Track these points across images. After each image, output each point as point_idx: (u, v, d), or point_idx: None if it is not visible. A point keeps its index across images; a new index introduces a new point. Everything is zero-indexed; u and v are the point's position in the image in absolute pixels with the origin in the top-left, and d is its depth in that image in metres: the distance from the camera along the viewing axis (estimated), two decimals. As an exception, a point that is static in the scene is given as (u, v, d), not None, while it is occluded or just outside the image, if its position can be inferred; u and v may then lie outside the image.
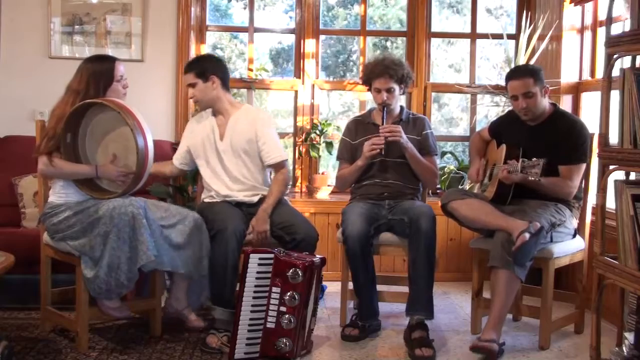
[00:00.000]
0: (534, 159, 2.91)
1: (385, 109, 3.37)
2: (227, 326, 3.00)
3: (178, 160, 3.48)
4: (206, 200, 3.37)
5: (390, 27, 5.05)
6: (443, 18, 4.93)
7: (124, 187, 2.96)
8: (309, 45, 4.62)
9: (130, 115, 2.90)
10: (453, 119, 5.19)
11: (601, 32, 4.10)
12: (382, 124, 3.34)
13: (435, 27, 4.73)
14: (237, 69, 4.89)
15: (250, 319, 2.82)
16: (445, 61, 5.03)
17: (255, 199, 3.33)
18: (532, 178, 2.89)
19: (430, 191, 4.18)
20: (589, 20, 4.18)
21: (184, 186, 4.19)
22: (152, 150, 2.99)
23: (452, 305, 3.87)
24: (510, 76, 3.22)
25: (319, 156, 4.55)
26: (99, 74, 2.99)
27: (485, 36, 4.67)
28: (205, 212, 3.23)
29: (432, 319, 3.12)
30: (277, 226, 3.21)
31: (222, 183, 3.34)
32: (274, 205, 3.24)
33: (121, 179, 2.98)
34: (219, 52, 4.93)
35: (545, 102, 3.22)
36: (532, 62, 4.22)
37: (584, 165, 3.18)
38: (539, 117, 3.23)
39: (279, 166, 3.34)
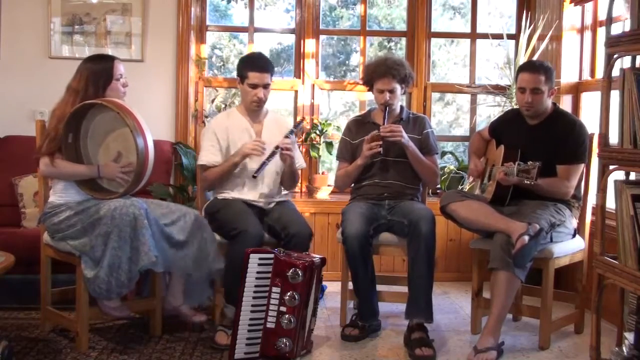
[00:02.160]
0: (530, 162, 2.91)
1: (387, 109, 3.37)
2: None
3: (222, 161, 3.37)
4: (220, 197, 3.37)
5: (394, 27, 5.06)
6: (446, 19, 4.93)
7: (125, 186, 2.97)
8: (309, 45, 4.62)
9: (129, 115, 2.90)
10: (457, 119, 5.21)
11: (601, 32, 4.10)
12: (383, 124, 3.34)
13: (436, 27, 4.74)
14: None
15: (250, 319, 2.82)
16: (447, 61, 5.03)
17: (272, 205, 3.37)
18: (528, 182, 2.89)
19: (430, 191, 4.18)
20: (589, 20, 4.18)
21: (184, 186, 4.20)
22: (152, 151, 3.00)
23: (452, 305, 3.87)
24: (524, 68, 3.22)
25: (319, 156, 4.55)
26: (97, 73, 2.99)
27: (485, 36, 4.67)
28: (222, 210, 3.24)
29: (431, 323, 3.12)
30: (274, 222, 3.25)
31: (246, 183, 3.34)
32: (295, 167, 3.34)
33: (122, 176, 2.98)
34: (218, 52, 4.93)
35: (548, 103, 3.22)
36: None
37: (582, 166, 3.18)
38: (539, 115, 3.23)
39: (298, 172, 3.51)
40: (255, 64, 3.31)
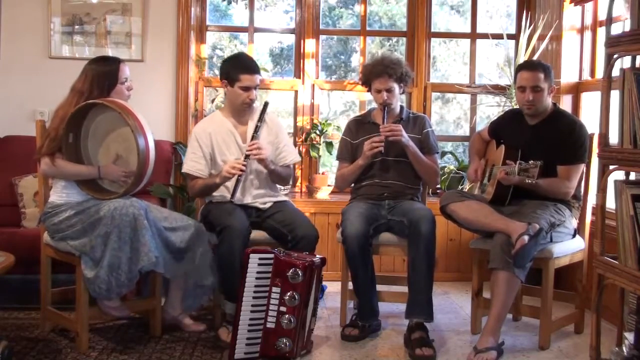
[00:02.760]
0: (531, 161, 2.91)
1: (386, 108, 3.37)
2: None
3: (207, 172, 3.33)
4: (214, 200, 3.36)
5: (395, 22, 5.05)
6: (444, 18, 4.93)
7: (125, 187, 2.97)
8: (309, 45, 4.62)
9: (131, 115, 2.90)
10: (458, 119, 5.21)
11: (601, 32, 4.10)
12: (383, 124, 3.34)
13: (435, 22, 4.74)
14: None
15: (250, 319, 2.82)
16: (448, 57, 5.03)
17: (268, 205, 3.35)
18: (529, 181, 2.89)
19: (430, 191, 4.18)
20: (589, 20, 4.18)
21: (184, 186, 4.20)
22: (153, 151, 2.99)
23: (452, 305, 3.87)
24: (523, 67, 3.23)
25: (319, 156, 4.55)
26: (103, 75, 2.98)
27: (485, 36, 4.67)
28: (212, 211, 3.24)
29: (431, 322, 3.12)
30: (279, 224, 3.24)
31: (244, 189, 3.32)
32: (275, 166, 3.28)
33: (123, 179, 2.98)
34: (219, 52, 4.93)
35: (549, 101, 3.22)
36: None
37: (582, 166, 3.18)
38: (540, 114, 3.23)
39: (289, 168, 3.46)
40: (247, 67, 3.26)
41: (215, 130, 3.34)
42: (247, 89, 3.24)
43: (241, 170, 3.13)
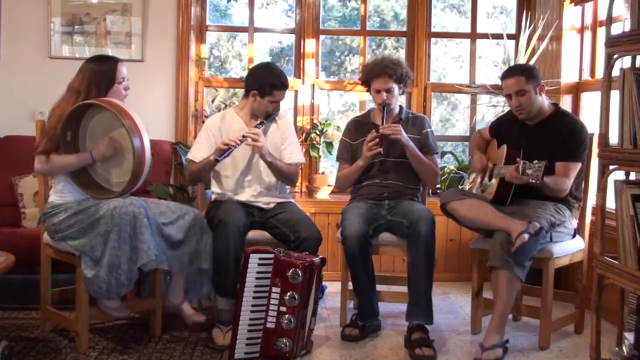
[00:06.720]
0: (535, 161, 2.91)
1: (385, 108, 3.37)
2: (230, 317, 3.00)
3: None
4: (219, 199, 3.37)
5: (385, 19, 5.05)
6: (444, 16, 4.93)
7: (124, 183, 2.94)
8: (309, 45, 4.62)
9: (126, 116, 2.89)
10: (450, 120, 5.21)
11: (601, 32, 4.11)
12: (382, 124, 3.34)
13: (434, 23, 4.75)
14: (233, 69, 4.89)
15: (250, 319, 2.82)
16: (445, 54, 5.03)
17: (271, 205, 3.35)
18: (533, 181, 2.89)
19: (430, 191, 4.18)
20: (589, 20, 4.19)
21: (184, 186, 4.20)
22: (149, 151, 2.98)
23: (452, 305, 3.87)
24: (504, 76, 3.25)
25: (319, 156, 4.55)
26: (100, 74, 2.98)
27: (485, 36, 4.67)
28: (213, 209, 3.26)
29: (431, 324, 3.12)
30: (283, 224, 3.24)
31: (245, 186, 3.34)
32: (273, 159, 3.25)
33: (112, 150, 2.95)
34: (215, 53, 4.93)
35: (541, 101, 3.22)
36: (532, 62, 4.22)
37: (579, 165, 3.18)
38: (537, 115, 3.23)
39: (294, 167, 3.42)
40: (283, 84, 3.30)
41: (226, 126, 3.37)
42: (276, 101, 3.31)
43: (235, 144, 3.14)
